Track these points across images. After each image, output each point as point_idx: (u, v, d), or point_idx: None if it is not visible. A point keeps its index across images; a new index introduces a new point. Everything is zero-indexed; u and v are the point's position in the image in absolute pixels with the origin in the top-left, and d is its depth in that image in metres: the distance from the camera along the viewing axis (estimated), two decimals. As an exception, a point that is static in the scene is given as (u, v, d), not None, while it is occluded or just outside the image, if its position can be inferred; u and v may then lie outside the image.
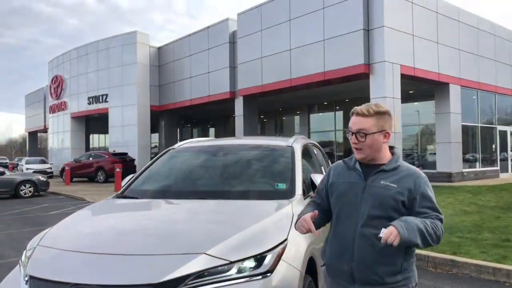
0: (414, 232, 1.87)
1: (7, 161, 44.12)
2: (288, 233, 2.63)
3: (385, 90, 14.69)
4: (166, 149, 4.32)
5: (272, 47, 18.21)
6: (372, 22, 14.95)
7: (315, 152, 4.55)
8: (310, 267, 2.79)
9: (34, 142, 47.48)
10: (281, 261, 2.43)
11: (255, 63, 19.04)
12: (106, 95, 26.93)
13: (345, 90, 19.13)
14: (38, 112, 40.54)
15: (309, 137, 24.21)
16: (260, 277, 2.30)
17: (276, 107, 25.86)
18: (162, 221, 2.88)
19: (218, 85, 21.54)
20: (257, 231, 2.59)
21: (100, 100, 27.39)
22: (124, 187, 3.80)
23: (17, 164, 32.00)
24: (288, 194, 3.27)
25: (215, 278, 2.21)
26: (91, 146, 35.79)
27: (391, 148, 2.17)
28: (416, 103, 20.51)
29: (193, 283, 2.15)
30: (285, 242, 2.54)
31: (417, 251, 5.73)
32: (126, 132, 25.74)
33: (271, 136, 21.88)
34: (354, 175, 2.12)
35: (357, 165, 2.13)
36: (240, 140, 4.44)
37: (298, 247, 2.63)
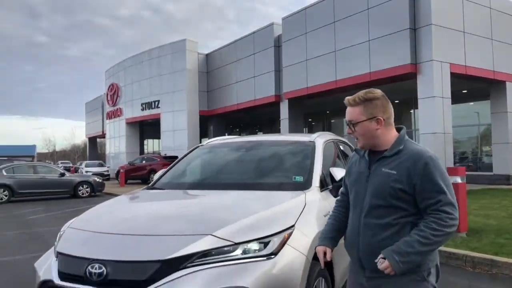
0: (410, 259, 1.83)
1: (70, 164, 46.95)
2: (297, 220, 2.74)
3: (433, 90, 14.24)
4: (195, 146, 4.56)
5: (317, 49, 18.20)
6: (418, 20, 14.57)
7: (341, 148, 4.59)
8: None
9: (94, 147, 50.25)
10: (286, 245, 2.54)
11: (300, 65, 19.11)
12: (158, 101, 28.05)
13: (393, 90, 18.68)
14: (97, 119, 42.89)
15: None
16: (264, 258, 2.42)
17: (323, 109, 25.73)
18: (177, 207, 3.11)
19: (264, 89, 21.82)
20: (266, 216, 2.71)
21: (153, 106, 28.57)
22: (154, 181, 4.08)
23: (78, 168, 33.97)
24: (305, 185, 3.37)
25: (220, 258, 2.36)
26: (145, 150, 37.31)
27: (399, 129, 2.10)
28: (471, 103, 19.65)
29: (199, 261, 2.32)
30: (292, 228, 2.65)
31: (454, 250, 5.62)
32: (177, 137, 26.64)
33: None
34: (363, 163, 2.12)
35: (366, 154, 2.13)
36: (265, 136, 4.59)
37: (306, 234, 2.71)
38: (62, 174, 17.18)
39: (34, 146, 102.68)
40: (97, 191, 17.41)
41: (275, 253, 2.47)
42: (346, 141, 5.08)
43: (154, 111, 28.53)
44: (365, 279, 2.05)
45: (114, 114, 33.29)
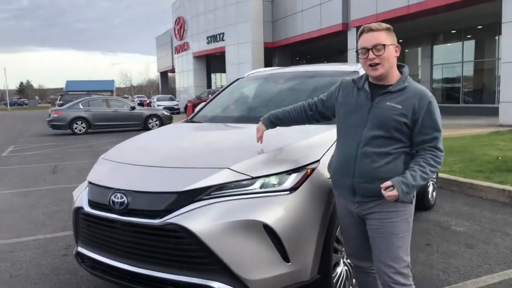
0: (412, 190, 2.03)
1: (145, 98, 49.23)
2: (324, 154, 2.61)
3: (520, 11, 12.58)
4: (236, 78, 4.45)
5: (388, -29, 16.65)
6: None
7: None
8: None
9: (166, 81, 51.96)
10: (308, 181, 2.44)
11: (369, -10, 17.70)
12: (223, 33, 27.85)
13: (475, 15, 16.85)
14: (166, 53, 43.87)
15: (431, 71, 22.23)
16: (282, 193, 2.35)
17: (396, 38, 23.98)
18: (204, 141, 3.09)
19: (330, 17, 20.69)
20: (290, 150, 2.61)
21: (218, 39, 28.49)
22: (194, 113, 4.09)
23: (151, 102, 35.56)
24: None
25: (237, 191, 2.33)
26: (212, 84, 37.90)
27: (401, 67, 2.19)
28: None
29: (215, 194, 2.31)
30: (317, 163, 2.53)
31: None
32: (242, 70, 26.55)
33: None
34: (362, 95, 2.19)
35: (366, 85, 2.19)
36: (308, 66, 4.35)
37: (332, 169, 2.59)
38: (133, 108, 18.09)
39: (112, 81, 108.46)
40: (165, 124, 18.21)
41: (294, 188, 2.39)
42: None
43: (219, 44, 28.49)
44: (356, 205, 2.20)
45: (182, 48, 33.76)
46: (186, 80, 34.29)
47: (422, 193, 4.69)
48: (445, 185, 6.05)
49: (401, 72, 2.18)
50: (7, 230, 4.69)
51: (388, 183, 1.99)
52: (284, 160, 2.50)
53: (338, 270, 2.73)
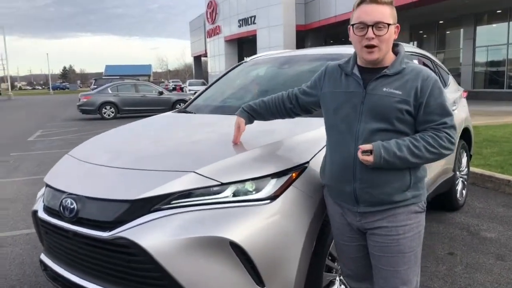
0: (393, 160, 1.67)
1: (180, 83, 49.44)
2: (316, 154, 2.17)
3: None
4: (239, 63, 4.03)
5: None
6: None
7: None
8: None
9: (199, 66, 51.96)
10: (292, 188, 2.02)
11: (407, -33, 16.63)
12: (254, 16, 27.27)
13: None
14: (200, 38, 43.70)
15: (473, 54, 20.84)
16: (257, 202, 1.95)
17: (435, 19, 22.66)
18: (181, 137, 2.68)
19: (365, -3, 19.67)
20: (273, 150, 2.19)
21: (249, 22, 27.96)
22: (188, 102, 3.71)
23: (183, 86, 35.59)
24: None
25: (203, 200, 1.94)
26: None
27: (395, 46, 1.85)
28: None
29: (176, 202, 1.92)
30: (305, 165, 2.10)
31: None
32: (273, 54, 25.98)
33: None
34: (353, 82, 1.83)
35: (355, 70, 1.83)
36: (314, 50, 3.85)
37: (325, 173, 2.15)
38: (161, 93, 18.00)
39: (149, 66, 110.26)
40: (193, 109, 18.03)
41: (274, 197, 1.97)
42: (419, 52, 4.12)
43: (250, 28, 27.96)
44: (358, 217, 1.84)
45: (214, 32, 33.47)
46: (218, 64, 34.02)
47: (448, 191, 4.15)
48: (479, 181, 5.44)
49: (396, 52, 1.83)
50: (5, 222, 4.53)
51: (368, 146, 1.69)
52: (264, 162, 2.08)
53: (332, 291, 2.31)
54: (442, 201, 4.30)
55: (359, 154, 1.70)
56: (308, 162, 2.13)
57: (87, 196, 2.04)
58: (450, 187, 4.17)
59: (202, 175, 1.97)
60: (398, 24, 1.80)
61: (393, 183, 1.76)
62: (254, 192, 1.98)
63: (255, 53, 29.88)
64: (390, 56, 1.81)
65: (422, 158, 1.70)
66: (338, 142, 1.85)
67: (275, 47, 25.50)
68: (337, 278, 2.35)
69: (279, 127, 2.39)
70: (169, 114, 3.51)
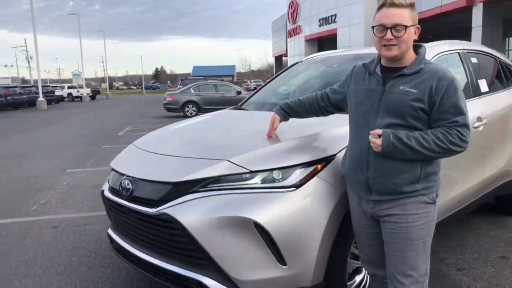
0: (402, 147, 1.79)
1: (261, 83, 50.40)
2: (343, 149, 2.32)
3: None
4: (295, 62, 4.24)
5: None
6: None
7: (472, 61, 3.63)
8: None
9: (280, 66, 52.49)
10: (316, 178, 2.20)
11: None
12: (335, 15, 27.05)
13: None
14: (281, 38, 44.19)
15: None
16: (283, 189, 2.16)
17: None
18: (224, 130, 2.99)
19: (452, -8, 18.63)
20: (302, 143, 2.38)
21: (329, 21, 27.79)
22: (244, 99, 4.00)
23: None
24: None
25: (234, 185, 2.20)
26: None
27: (418, 47, 1.96)
28: None
29: (212, 186, 2.21)
30: (331, 158, 2.27)
31: None
32: (354, 53, 25.56)
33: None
34: (374, 81, 1.99)
35: (378, 69, 1.99)
36: (362, 50, 3.93)
37: (351, 165, 2.29)
38: (239, 92, 18.65)
39: (233, 66, 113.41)
40: (269, 108, 18.45)
41: (297, 186, 2.17)
42: (486, 51, 3.98)
43: (330, 27, 27.78)
44: (371, 205, 1.98)
45: (294, 32, 33.71)
46: (298, 64, 34.22)
47: (510, 194, 3.99)
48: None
49: (417, 53, 1.95)
50: (91, 204, 5.19)
51: (379, 130, 1.83)
52: (291, 154, 2.28)
53: (358, 278, 2.45)
54: (503, 204, 4.14)
55: (370, 137, 1.84)
56: (334, 156, 2.29)
57: (140, 178, 2.41)
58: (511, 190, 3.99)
59: (234, 163, 2.23)
60: (418, 26, 1.91)
61: (404, 175, 1.87)
62: (280, 180, 2.20)
63: (335, 52, 29.71)
64: (410, 57, 1.92)
65: (431, 151, 1.79)
66: (356, 136, 2.02)
67: (355, 45, 25.09)
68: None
69: (311, 123, 2.57)
70: (225, 111, 3.83)
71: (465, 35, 24.40)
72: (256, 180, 2.21)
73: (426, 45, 3.26)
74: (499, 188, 3.75)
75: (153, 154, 2.63)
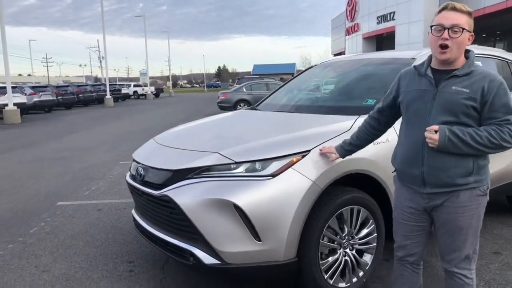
0: (457, 141, 1.93)
1: (319, 81, 50.08)
2: (318, 146, 2.68)
3: None
4: (310, 65, 4.59)
5: None
6: None
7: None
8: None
9: (339, 64, 51.86)
10: (290, 169, 2.57)
11: None
12: (394, 12, 26.42)
13: None
14: (340, 36, 43.70)
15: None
16: (261, 178, 2.55)
17: None
18: (229, 128, 3.45)
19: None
20: (285, 139, 2.77)
21: (388, 19, 27.19)
22: (262, 100, 4.42)
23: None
24: (370, 110, 3.11)
25: (222, 173, 2.63)
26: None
27: (467, 52, 2.09)
28: None
29: (204, 174, 2.66)
30: (305, 153, 2.63)
31: None
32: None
33: None
34: (425, 82, 2.12)
35: (429, 71, 2.12)
36: (373, 54, 4.18)
37: (324, 160, 2.64)
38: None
39: (293, 64, 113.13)
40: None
41: (273, 175, 2.56)
42: (507, 56, 4.09)
43: (389, 24, 27.16)
44: (426, 199, 2.13)
45: (352, 30, 33.32)
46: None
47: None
48: None
49: (467, 57, 2.09)
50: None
51: (435, 126, 1.97)
52: (272, 148, 2.67)
53: (331, 259, 2.78)
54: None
55: (426, 133, 1.97)
56: (308, 151, 2.65)
57: (150, 166, 2.92)
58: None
59: (223, 155, 2.67)
60: (472, 33, 2.05)
61: (457, 168, 2.01)
62: (260, 170, 2.60)
63: (393, 49, 28.90)
64: (461, 60, 2.06)
65: (483, 146, 1.93)
66: (409, 133, 2.15)
67: (414, 43, 24.41)
68: (341, 251, 2.81)
69: (294, 123, 2.96)
70: (241, 110, 4.29)
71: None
72: (241, 169, 2.63)
73: (419, 51, 3.51)
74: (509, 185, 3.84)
75: (165, 147, 3.14)
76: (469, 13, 2.01)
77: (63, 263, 3.58)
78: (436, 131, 1.94)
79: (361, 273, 2.91)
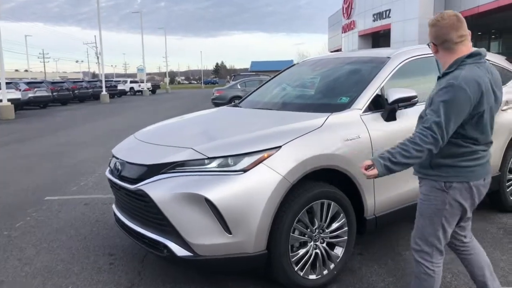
0: (396, 166, 2.10)
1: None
2: (289, 142, 2.76)
3: None
4: (292, 64, 4.67)
5: None
6: None
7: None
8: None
9: (336, 61, 51.92)
10: (261, 165, 2.66)
11: None
12: (389, 10, 26.51)
13: None
14: (337, 33, 43.72)
15: None
16: (232, 173, 2.64)
17: None
18: (207, 125, 3.55)
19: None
20: (258, 136, 2.85)
21: (383, 16, 27.25)
22: (244, 97, 4.50)
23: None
24: (344, 107, 3.21)
25: (196, 168, 2.71)
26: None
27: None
28: None
29: (179, 169, 2.74)
30: (276, 149, 2.71)
31: None
32: (407, 48, 24.93)
33: None
34: None
35: None
36: (351, 53, 4.27)
37: (295, 156, 2.71)
38: (284, 88, 19.08)
39: (291, 61, 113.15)
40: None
41: (245, 170, 2.64)
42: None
43: (385, 22, 27.24)
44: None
45: (348, 27, 33.38)
46: (351, 59, 33.84)
47: (497, 190, 4.16)
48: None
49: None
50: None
51: (369, 161, 2.14)
52: (244, 144, 2.76)
53: (302, 251, 2.87)
54: (492, 199, 4.30)
55: (362, 171, 2.16)
56: (279, 147, 2.73)
57: (127, 161, 3.00)
58: (498, 186, 4.16)
59: (197, 151, 2.75)
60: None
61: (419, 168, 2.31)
62: (232, 165, 2.68)
63: (388, 46, 28.76)
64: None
65: (413, 156, 2.07)
66: None
67: (409, 41, 24.48)
68: (311, 244, 2.90)
69: (269, 119, 3.04)
70: (223, 107, 4.37)
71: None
72: (214, 164, 2.71)
73: (395, 50, 3.59)
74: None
75: (143, 143, 3.22)
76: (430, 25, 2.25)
77: (45, 256, 3.66)
78: (370, 165, 2.12)
79: (332, 266, 3.01)
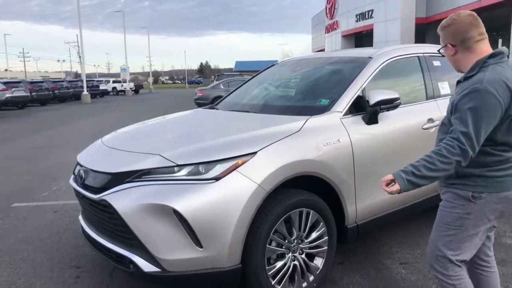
0: (419, 180, 1.94)
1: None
2: (265, 147, 2.58)
3: None
4: (271, 64, 4.49)
5: None
6: None
7: (434, 64, 3.74)
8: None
9: (320, 61, 52.05)
10: (235, 172, 2.47)
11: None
12: (372, 10, 26.58)
13: None
14: (320, 34, 43.78)
15: None
16: (204, 181, 2.44)
17: None
18: (178, 129, 3.33)
19: (491, -15, 17.93)
20: (231, 141, 2.66)
21: (366, 17, 27.33)
22: (220, 99, 4.30)
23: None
24: (324, 109, 3.05)
25: (163, 177, 2.51)
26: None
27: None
28: None
29: (145, 177, 2.53)
30: (251, 155, 2.53)
31: None
32: (389, 48, 25.03)
33: None
34: None
35: None
36: (332, 53, 4.13)
37: (271, 162, 2.54)
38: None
39: (275, 62, 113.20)
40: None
41: (217, 178, 2.45)
42: None
43: (367, 22, 27.31)
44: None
45: (331, 28, 33.42)
46: (335, 60, 33.91)
47: None
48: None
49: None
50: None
51: (390, 176, 1.99)
52: (216, 150, 2.56)
53: (279, 264, 2.69)
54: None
55: (384, 187, 2.00)
56: (254, 153, 2.54)
57: (90, 168, 2.78)
58: None
59: (165, 158, 2.55)
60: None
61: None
62: (203, 173, 2.49)
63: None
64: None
65: (439, 168, 1.91)
66: None
67: (392, 41, 24.55)
68: (289, 255, 2.73)
69: (245, 123, 2.86)
70: (198, 110, 4.17)
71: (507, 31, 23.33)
72: (183, 172, 2.51)
73: (378, 50, 3.44)
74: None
75: (110, 149, 3.00)
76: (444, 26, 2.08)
77: (6, 269, 3.41)
78: (392, 180, 1.97)
79: (311, 278, 2.84)
